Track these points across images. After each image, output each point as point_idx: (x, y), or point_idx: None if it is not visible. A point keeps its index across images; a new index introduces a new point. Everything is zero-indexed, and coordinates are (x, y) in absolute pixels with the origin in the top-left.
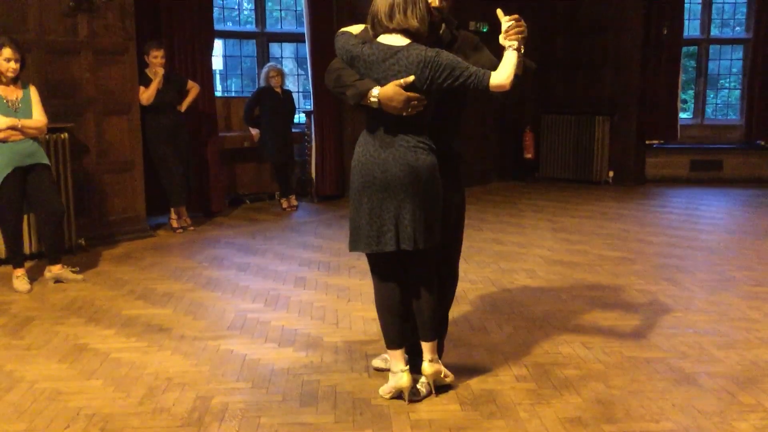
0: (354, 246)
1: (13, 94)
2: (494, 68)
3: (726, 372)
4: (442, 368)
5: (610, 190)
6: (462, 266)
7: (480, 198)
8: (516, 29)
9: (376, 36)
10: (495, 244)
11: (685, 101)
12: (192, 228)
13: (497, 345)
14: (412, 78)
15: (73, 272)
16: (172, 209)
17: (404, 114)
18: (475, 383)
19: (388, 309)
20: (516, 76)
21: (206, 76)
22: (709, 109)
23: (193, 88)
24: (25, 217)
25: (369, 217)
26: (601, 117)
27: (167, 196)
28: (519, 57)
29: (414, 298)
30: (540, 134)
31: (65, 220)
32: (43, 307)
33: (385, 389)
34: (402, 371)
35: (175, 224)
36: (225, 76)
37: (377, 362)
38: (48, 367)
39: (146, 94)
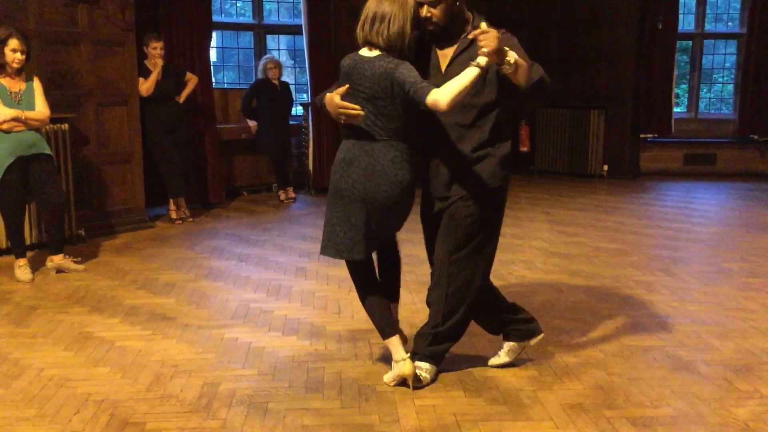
0: (324, 250)
1: (17, 86)
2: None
3: (723, 360)
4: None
5: (605, 183)
6: None
7: None
8: (480, 44)
9: (361, 47)
10: None
11: (677, 95)
12: (191, 219)
13: None
14: (345, 87)
15: (75, 262)
16: (171, 200)
17: (340, 121)
18: (477, 371)
19: (377, 302)
20: (458, 93)
21: (204, 67)
22: (702, 104)
23: (192, 80)
24: (27, 207)
25: (345, 224)
26: (595, 111)
27: (166, 188)
28: (480, 72)
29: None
30: (536, 127)
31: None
32: (46, 296)
33: (389, 377)
34: (403, 359)
35: (174, 215)
36: (220, 67)
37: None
38: (54, 354)
39: (145, 86)
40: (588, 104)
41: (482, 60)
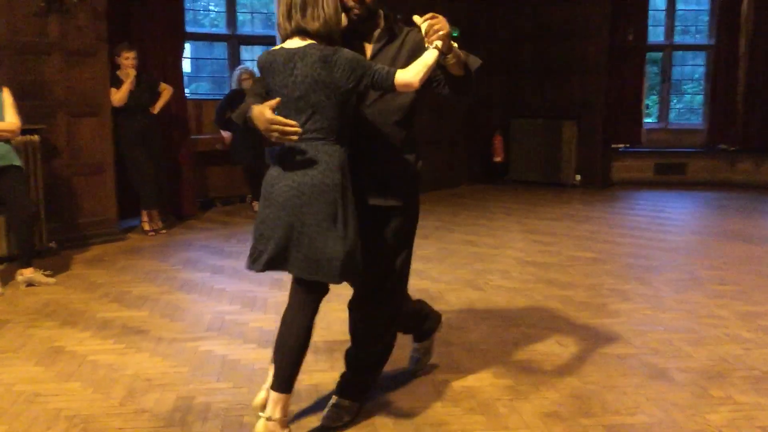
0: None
1: None
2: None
3: (697, 367)
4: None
5: (578, 193)
6: (437, 267)
7: (450, 201)
8: (435, 27)
9: (283, 41)
10: (468, 246)
11: (648, 106)
12: (164, 231)
13: (475, 343)
14: (277, 100)
15: (46, 275)
16: (144, 212)
17: (271, 139)
18: (454, 380)
19: None
20: (422, 74)
21: (177, 78)
22: (672, 114)
23: (166, 90)
24: None
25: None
26: (568, 121)
27: (139, 199)
28: (439, 56)
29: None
30: (509, 138)
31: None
32: (16, 310)
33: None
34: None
35: (147, 227)
36: (194, 78)
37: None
38: (25, 369)
39: (118, 96)
40: (561, 115)
41: (439, 43)
